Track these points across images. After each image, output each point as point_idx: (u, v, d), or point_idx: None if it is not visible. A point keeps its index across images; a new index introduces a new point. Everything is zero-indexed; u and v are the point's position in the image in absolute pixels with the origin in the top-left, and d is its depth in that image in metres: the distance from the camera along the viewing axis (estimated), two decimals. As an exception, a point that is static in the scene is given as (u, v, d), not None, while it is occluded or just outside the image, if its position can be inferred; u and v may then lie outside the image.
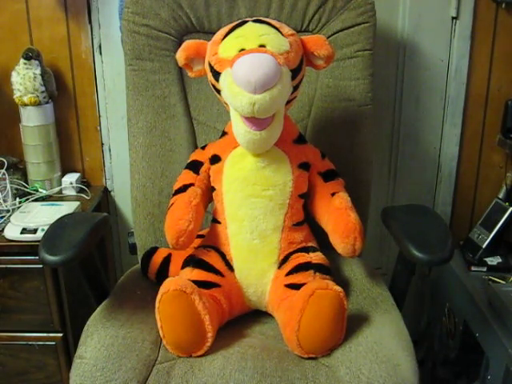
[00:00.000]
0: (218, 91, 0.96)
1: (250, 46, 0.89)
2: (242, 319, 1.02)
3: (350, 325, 0.92)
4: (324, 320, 0.87)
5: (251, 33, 0.92)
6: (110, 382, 0.83)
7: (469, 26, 1.47)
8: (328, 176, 1.04)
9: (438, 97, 1.55)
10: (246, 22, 0.95)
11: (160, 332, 0.90)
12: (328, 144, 1.17)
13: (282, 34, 0.93)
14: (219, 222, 1.02)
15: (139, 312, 0.99)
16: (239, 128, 0.93)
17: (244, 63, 0.86)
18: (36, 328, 1.34)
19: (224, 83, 0.91)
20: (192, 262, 1.00)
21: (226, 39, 0.93)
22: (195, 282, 0.92)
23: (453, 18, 1.47)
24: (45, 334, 1.35)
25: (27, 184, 1.51)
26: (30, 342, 1.35)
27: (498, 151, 1.58)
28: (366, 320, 0.96)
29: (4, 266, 1.29)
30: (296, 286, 0.94)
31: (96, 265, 1.05)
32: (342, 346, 0.90)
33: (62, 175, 1.55)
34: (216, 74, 0.94)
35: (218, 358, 0.88)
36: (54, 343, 1.35)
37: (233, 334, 0.96)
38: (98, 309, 1.00)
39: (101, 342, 0.89)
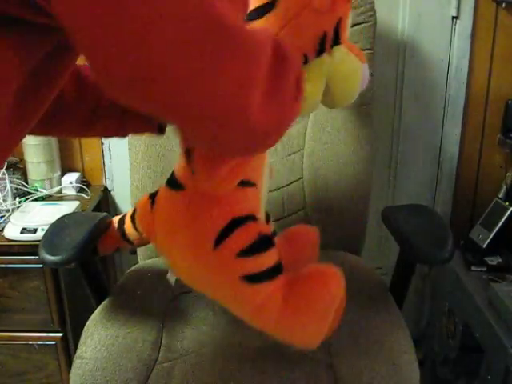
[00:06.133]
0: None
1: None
2: (242, 319, 1.02)
3: (350, 325, 0.92)
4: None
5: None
6: (111, 382, 0.83)
7: (469, 25, 1.47)
8: None
9: (438, 96, 1.55)
10: (246, 21, 0.95)
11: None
12: (328, 144, 1.17)
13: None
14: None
15: (139, 312, 0.99)
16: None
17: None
18: (36, 328, 1.34)
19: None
20: None
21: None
22: None
23: (453, 17, 1.47)
24: (45, 334, 1.34)
25: (27, 183, 1.50)
26: (30, 342, 1.34)
27: (498, 151, 1.58)
28: (366, 320, 0.96)
29: (4, 265, 1.28)
30: None
31: (96, 265, 1.05)
32: (343, 345, 0.90)
33: (62, 175, 1.55)
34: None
35: (218, 358, 0.88)
36: (54, 343, 1.35)
37: (233, 334, 0.96)
38: (98, 309, 1.00)
39: (101, 342, 0.89)
